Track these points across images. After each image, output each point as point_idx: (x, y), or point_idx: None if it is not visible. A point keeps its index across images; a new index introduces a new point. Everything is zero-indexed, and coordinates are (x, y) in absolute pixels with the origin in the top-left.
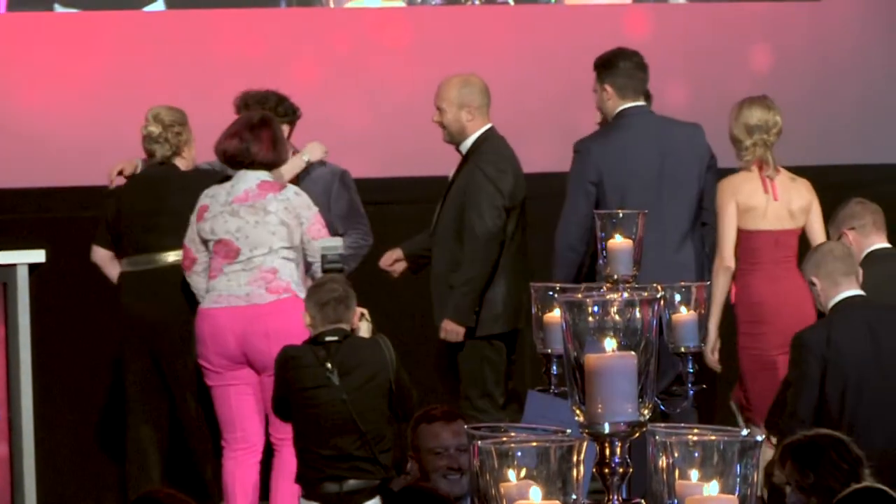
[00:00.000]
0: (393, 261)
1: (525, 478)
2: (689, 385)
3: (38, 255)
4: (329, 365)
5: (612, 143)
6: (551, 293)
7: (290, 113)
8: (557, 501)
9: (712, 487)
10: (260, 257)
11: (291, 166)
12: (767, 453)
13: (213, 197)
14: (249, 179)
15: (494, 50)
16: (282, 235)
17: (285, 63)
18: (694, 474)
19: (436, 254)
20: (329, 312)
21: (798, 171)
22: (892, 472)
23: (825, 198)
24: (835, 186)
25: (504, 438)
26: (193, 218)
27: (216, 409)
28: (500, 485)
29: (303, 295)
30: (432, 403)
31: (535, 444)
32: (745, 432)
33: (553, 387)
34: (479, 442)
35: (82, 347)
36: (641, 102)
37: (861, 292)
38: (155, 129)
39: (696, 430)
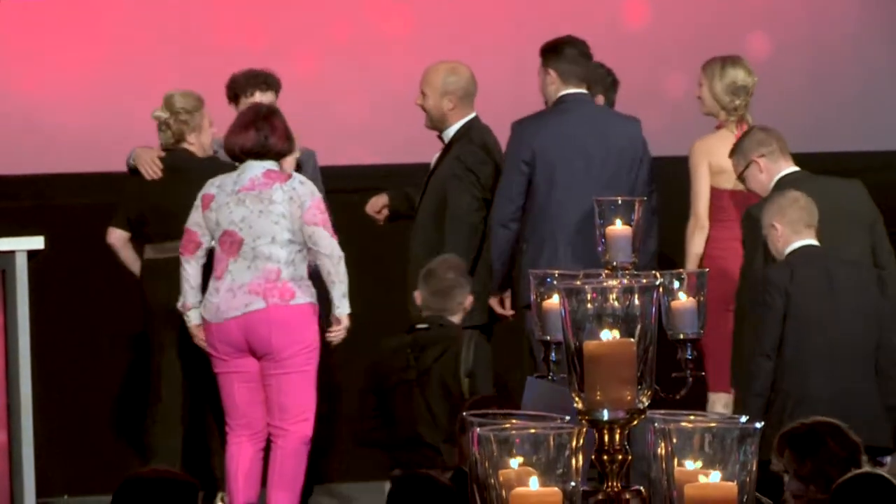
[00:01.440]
0: (381, 207)
1: (524, 465)
2: (688, 372)
3: (38, 242)
4: (410, 351)
5: (548, 126)
6: (550, 280)
7: (277, 85)
8: (556, 488)
9: (712, 475)
10: (264, 247)
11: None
12: (717, 405)
13: (219, 187)
14: (255, 169)
15: (493, 38)
16: (284, 226)
17: (285, 51)
18: (693, 462)
19: (415, 239)
20: (436, 301)
21: (795, 158)
22: (832, 417)
23: None
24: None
25: (503, 425)
26: (198, 204)
27: (221, 396)
28: (499, 472)
29: (307, 292)
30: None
31: (533, 431)
32: (743, 419)
33: (552, 374)
34: (478, 429)
35: (81, 334)
36: (584, 90)
37: (817, 243)
38: (161, 115)
39: (694, 418)
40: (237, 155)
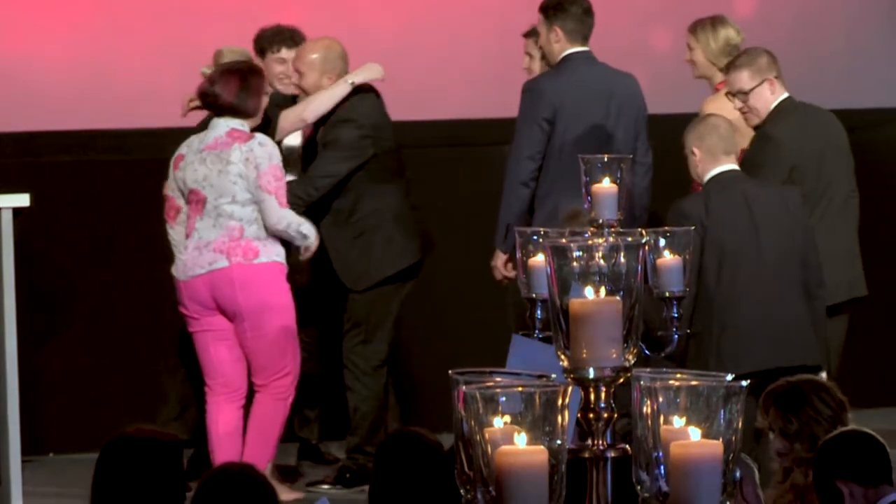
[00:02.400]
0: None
1: (510, 423)
2: (674, 330)
3: (23, 200)
4: None
5: (565, 83)
6: (536, 237)
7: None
8: (542, 446)
9: (696, 433)
10: (226, 206)
11: (334, 92)
12: None
13: (188, 146)
14: (220, 127)
15: (487, 29)
16: (242, 186)
17: (273, 8)
18: (678, 420)
19: None
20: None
21: None
22: (765, 343)
23: None
24: None
25: (489, 383)
26: (171, 166)
27: (198, 355)
28: (485, 430)
29: (272, 250)
30: None
31: (520, 389)
32: (729, 377)
33: (537, 331)
34: (464, 387)
35: (67, 292)
36: (587, 48)
37: (737, 168)
38: (207, 71)
39: (679, 375)
40: (201, 103)
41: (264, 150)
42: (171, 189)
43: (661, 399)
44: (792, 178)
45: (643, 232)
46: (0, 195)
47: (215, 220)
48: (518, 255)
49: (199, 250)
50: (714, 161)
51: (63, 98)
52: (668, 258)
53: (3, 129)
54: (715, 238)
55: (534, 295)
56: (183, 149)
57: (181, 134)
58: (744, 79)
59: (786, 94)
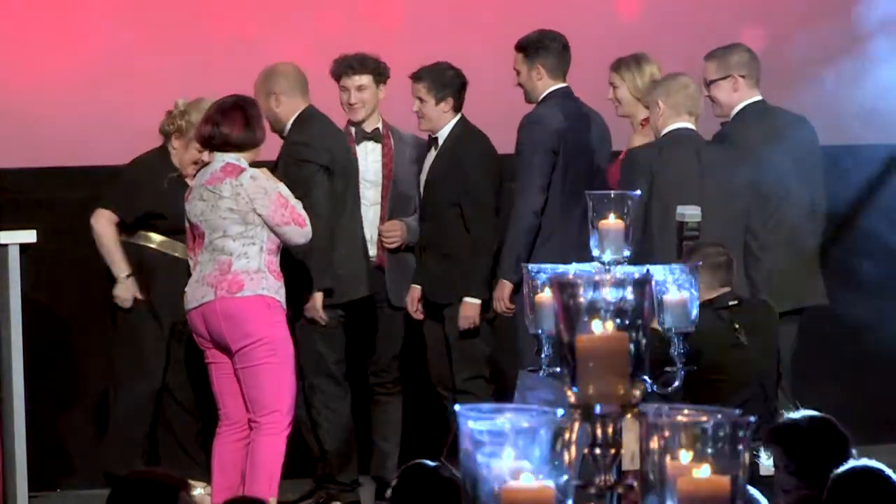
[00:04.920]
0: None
1: (516, 458)
2: (680, 366)
3: (30, 236)
4: (737, 325)
5: (563, 115)
6: (543, 273)
7: (371, 69)
8: (549, 482)
9: (703, 469)
10: (218, 240)
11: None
12: None
13: (197, 179)
14: (217, 162)
15: (485, 29)
16: (234, 220)
17: (278, 42)
18: (685, 455)
19: None
20: (722, 275)
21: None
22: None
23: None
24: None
25: (496, 419)
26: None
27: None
28: (492, 465)
29: (258, 284)
30: None
31: (526, 424)
32: (736, 412)
33: (545, 367)
34: (471, 422)
35: (73, 328)
36: (567, 84)
37: (694, 128)
38: (179, 105)
39: (686, 411)
40: (201, 144)
41: (257, 185)
42: (188, 224)
43: (667, 434)
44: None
45: (649, 269)
46: (7, 231)
47: (211, 255)
48: (525, 290)
49: (197, 283)
50: (676, 116)
51: (70, 134)
52: (674, 295)
53: (11, 165)
54: (663, 186)
55: (540, 331)
56: (195, 181)
57: None
58: (710, 69)
59: (757, 97)
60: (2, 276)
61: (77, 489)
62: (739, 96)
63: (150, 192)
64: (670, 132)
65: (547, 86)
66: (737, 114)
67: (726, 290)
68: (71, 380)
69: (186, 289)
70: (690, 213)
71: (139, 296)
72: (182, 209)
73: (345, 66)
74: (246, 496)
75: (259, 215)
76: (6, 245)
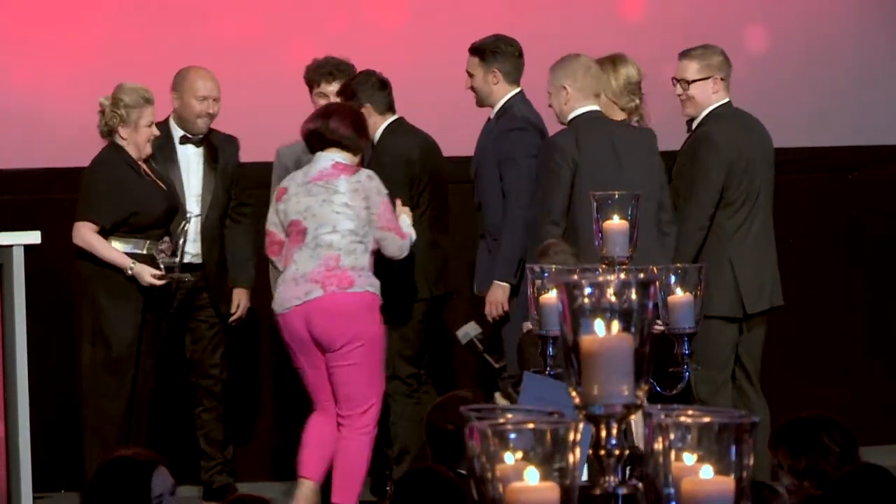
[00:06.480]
0: None
1: (521, 459)
2: (685, 367)
3: (34, 237)
4: None
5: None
6: (547, 274)
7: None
8: (554, 483)
9: (708, 469)
10: (325, 235)
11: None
12: None
13: (292, 179)
14: (324, 161)
15: (486, 30)
16: (348, 216)
17: (280, 43)
18: (690, 457)
19: None
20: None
21: (792, 152)
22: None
23: (820, 180)
24: (829, 168)
25: (500, 420)
26: (273, 200)
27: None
28: (497, 466)
29: (366, 281)
30: None
31: (531, 425)
32: (741, 413)
33: (549, 368)
34: (476, 424)
35: (74, 327)
36: (521, 89)
37: (600, 109)
38: (104, 102)
39: (691, 412)
40: (305, 140)
41: (373, 183)
42: (271, 224)
43: (672, 435)
44: (726, 182)
45: (654, 269)
46: (11, 232)
47: (313, 251)
48: (529, 291)
49: (295, 281)
50: (584, 100)
51: (73, 135)
52: (679, 295)
53: (14, 166)
54: (586, 173)
55: (545, 332)
56: (286, 182)
57: None
58: (691, 69)
59: (727, 99)
60: (6, 278)
61: (81, 490)
62: (717, 97)
63: (120, 193)
64: (579, 116)
65: (503, 90)
66: (711, 114)
67: None
68: (75, 380)
69: (278, 290)
70: (473, 332)
71: (155, 271)
72: (155, 201)
73: (323, 73)
74: (248, 495)
75: (373, 214)
76: (10, 246)
